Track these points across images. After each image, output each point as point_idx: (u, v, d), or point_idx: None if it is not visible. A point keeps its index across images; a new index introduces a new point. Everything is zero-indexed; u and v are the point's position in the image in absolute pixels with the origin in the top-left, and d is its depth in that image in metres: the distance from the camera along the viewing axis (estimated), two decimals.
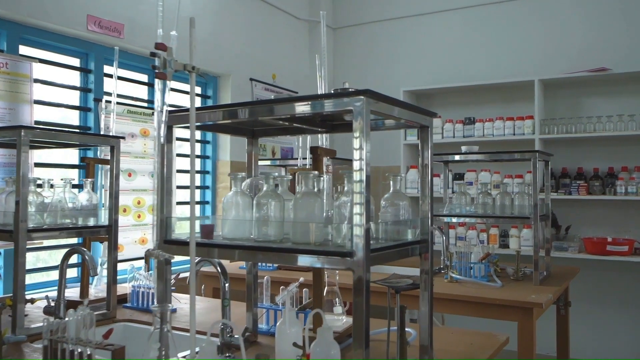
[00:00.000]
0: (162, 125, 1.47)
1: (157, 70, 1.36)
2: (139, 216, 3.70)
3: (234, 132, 1.90)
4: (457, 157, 3.19)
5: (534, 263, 2.91)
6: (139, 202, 3.71)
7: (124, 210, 3.59)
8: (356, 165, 1.22)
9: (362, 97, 1.23)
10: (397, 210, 1.53)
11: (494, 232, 4.55)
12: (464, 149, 3.19)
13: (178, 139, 4.33)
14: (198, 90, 4.36)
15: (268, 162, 4.31)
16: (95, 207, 2.31)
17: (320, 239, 1.35)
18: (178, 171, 4.14)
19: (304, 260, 1.28)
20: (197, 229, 1.45)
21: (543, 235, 3.05)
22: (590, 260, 4.22)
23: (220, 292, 1.78)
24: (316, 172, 1.53)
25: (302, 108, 1.33)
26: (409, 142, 4.91)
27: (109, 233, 2.18)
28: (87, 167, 2.62)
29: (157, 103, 1.47)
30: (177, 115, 1.54)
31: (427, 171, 1.55)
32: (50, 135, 2.08)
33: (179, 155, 4.13)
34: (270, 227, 1.42)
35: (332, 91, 1.37)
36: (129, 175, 3.69)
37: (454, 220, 3.46)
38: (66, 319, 1.42)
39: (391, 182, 1.60)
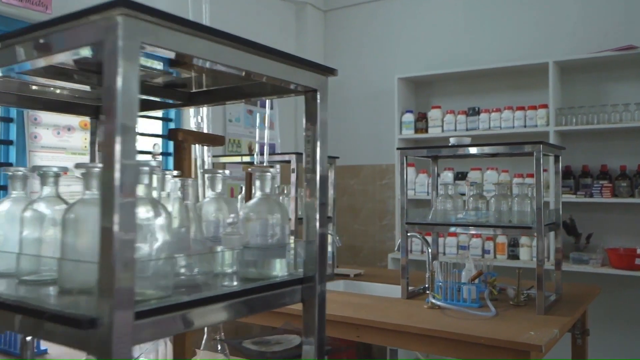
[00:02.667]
0: None
1: None
2: None
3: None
4: (444, 152, 2.57)
5: (536, 285, 2.28)
6: None
7: None
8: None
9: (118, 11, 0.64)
10: (261, 229, 0.94)
11: (501, 241, 3.90)
12: (452, 141, 2.57)
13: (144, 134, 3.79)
14: None
15: (245, 160, 3.76)
16: None
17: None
18: None
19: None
20: None
21: (545, 248, 2.41)
22: (615, 275, 3.54)
23: None
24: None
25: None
26: (405, 137, 4.29)
27: None
28: None
29: None
30: None
31: (317, 159, 0.96)
32: None
33: (148, 153, 3.60)
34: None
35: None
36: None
37: (440, 229, 2.83)
38: None
39: (258, 183, 1.01)
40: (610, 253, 3.56)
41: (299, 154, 2.91)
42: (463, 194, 2.70)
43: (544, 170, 3.84)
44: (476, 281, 2.50)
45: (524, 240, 3.83)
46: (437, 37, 4.48)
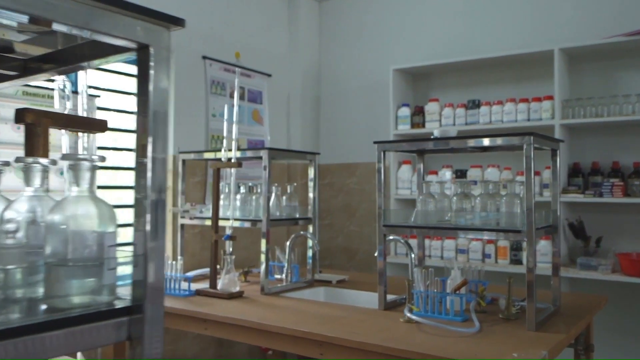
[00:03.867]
0: None
1: None
2: None
3: None
4: (424, 145, 2.29)
5: (527, 296, 1.99)
6: None
7: None
8: None
9: None
10: (63, 238, 0.68)
11: (503, 244, 3.60)
12: (436, 133, 2.29)
13: (112, 129, 3.59)
14: (134, 69, 3.59)
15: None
16: None
17: None
18: (111, 168, 3.39)
19: None
20: None
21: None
22: (627, 283, 3.22)
23: None
24: None
25: None
26: (401, 132, 4.00)
27: None
28: None
29: None
30: None
31: (149, 139, 0.71)
32: None
33: (115, 149, 3.38)
34: None
35: None
36: None
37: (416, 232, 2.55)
38: None
39: (71, 175, 0.75)
40: (622, 258, 3.23)
41: (271, 149, 2.66)
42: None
43: (547, 168, 3.54)
44: (462, 291, 2.23)
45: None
46: (435, 25, 4.19)
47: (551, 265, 2.34)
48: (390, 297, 2.38)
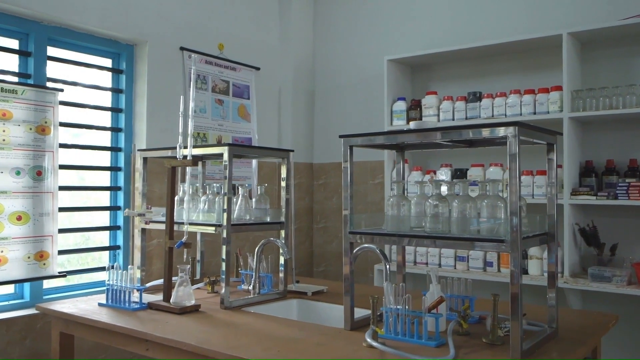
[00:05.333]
0: None
1: None
2: None
3: None
4: (391, 139, 1.97)
5: (511, 316, 1.65)
6: None
7: None
8: None
9: None
10: None
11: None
12: (412, 125, 1.97)
13: (74, 125, 3.33)
14: (107, 62, 3.35)
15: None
16: None
17: None
18: (74, 167, 3.14)
19: None
20: None
21: (559, 261, 1.79)
22: None
23: None
24: None
25: None
26: (396, 128, 3.67)
27: None
28: None
29: None
30: None
31: None
32: None
33: (79, 146, 3.13)
34: None
35: None
36: None
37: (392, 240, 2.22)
38: None
39: None
40: (639, 268, 2.86)
41: (233, 146, 2.36)
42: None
43: (558, 166, 3.17)
44: (440, 310, 1.90)
45: (533, 251, 3.17)
46: (433, 13, 3.85)
47: (546, 279, 1.99)
48: (365, 313, 2.07)
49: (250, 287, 2.58)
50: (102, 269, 3.13)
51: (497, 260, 3.28)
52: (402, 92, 3.81)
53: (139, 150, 2.78)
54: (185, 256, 2.35)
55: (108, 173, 3.28)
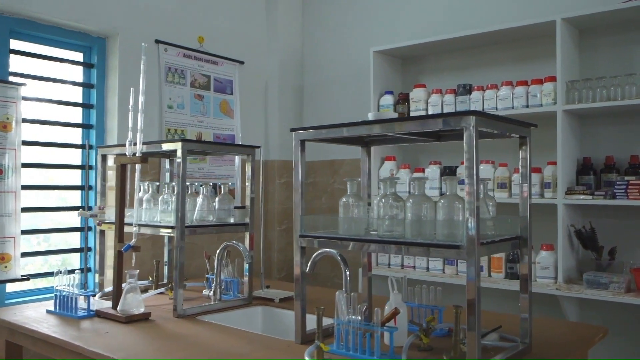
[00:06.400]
0: None
1: None
2: None
3: None
4: (346, 132, 1.77)
5: (467, 328, 1.45)
6: None
7: None
8: None
9: None
10: None
11: (497, 255, 3.02)
12: (370, 116, 1.78)
13: (37, 121, 3.17)
14: (77, 56, 3.20)
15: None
16: None
17: None
18: (38, 166, 3.01)
19: None
20: None
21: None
22: None
23: None
24: None
25: None
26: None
27: None
28: None
29: None
30: None
31: None
32: None
33: (41, 144, 2.99)
34: None
35: None
36: None
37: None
38: None
39: None
40: (638, 275, 2.62)
41: (187, 141, 2.19)
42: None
43: (548, 163, 2.94)
44: (396, 323, 1.70)
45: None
46: (423, 2, 3.63)
47: (519, 284, 1.78)
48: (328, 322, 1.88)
49: (211, 293, 2.41)
50: (71, 272, 2.99)
51: (487, 265, 3.06)
52: (392, 85, 3.60)
53: (98, 147, 2.63)
54: (134, 260, 2.18)
55: (79, 172, 3.14)
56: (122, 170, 2.19)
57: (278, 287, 2.78)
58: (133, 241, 2.14)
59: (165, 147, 2.27)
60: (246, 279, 2.47)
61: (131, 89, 2.27)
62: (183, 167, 2.17)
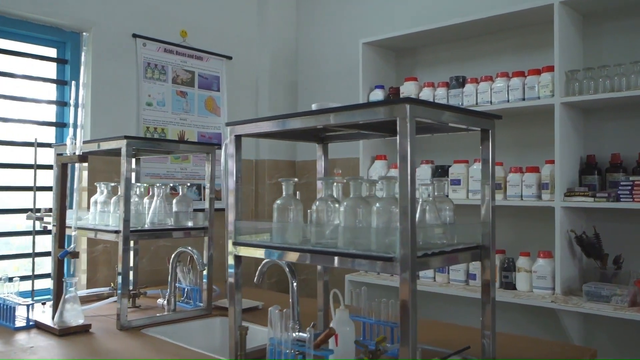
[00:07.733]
0: None
1: None
2: None
3: None
4: (274, 125, 1.56)
5: (400, 345, 1.23)
6: None
7: None
8: None
9: None
10: None
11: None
12: (313, 106, 1.57)
13: (2, 119, 3.01)
14: (51, 52, 3.07)
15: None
16: None
17: None
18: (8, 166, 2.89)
19: None
20: None
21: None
22: None
23: None
24: None
25: None
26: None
27: None
28: None
29: None
30: None
31: None
32: None
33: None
34: None
35: None
36: None
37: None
38: None
39: None
40: None
41: (132, 139, 2.02)
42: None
43: (547, 162, 2.67)
44: (339, 343, 1.49)
45: (521, 262, 2.68)
46: None
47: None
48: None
49: (165, 303, 2.23)
50: (47, 275, 2.84)
51: (480, 273, 2.79)
52: (385, 79, 3.37)
53: (55, 145, 2.47)
54: (73, 268, 2.02)
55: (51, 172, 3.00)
56: (62, 169, 2.03)
57: (248, 297, 2.58)
58: (71, 247, 1.98)
59: (106, 145, 2.09)
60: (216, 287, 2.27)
61: (72, 82, 2.10)
62: (127, 167, 1.99)
